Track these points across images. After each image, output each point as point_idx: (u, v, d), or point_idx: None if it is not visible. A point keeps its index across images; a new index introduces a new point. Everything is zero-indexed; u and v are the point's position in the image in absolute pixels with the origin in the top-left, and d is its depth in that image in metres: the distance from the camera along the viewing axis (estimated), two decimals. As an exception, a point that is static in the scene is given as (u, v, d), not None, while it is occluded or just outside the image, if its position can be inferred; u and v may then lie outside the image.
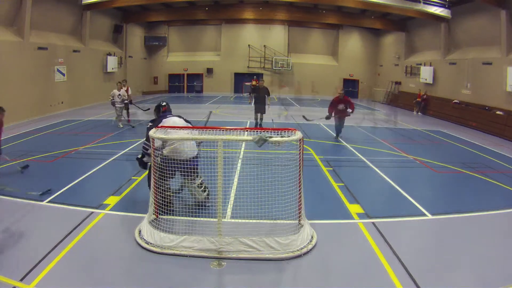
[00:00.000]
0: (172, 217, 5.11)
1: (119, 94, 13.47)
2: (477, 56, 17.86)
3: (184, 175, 5.36)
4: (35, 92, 15.57)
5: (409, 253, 4.70)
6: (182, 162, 5.22)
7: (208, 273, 4.17)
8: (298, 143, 4.91)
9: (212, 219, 4.89)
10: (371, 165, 8.95)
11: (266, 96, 12.79)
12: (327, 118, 11.51)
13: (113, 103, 13.56)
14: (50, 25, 17.01)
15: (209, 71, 30.05)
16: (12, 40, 14.30)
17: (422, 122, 17.63)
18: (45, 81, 16.35)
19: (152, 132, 4.84)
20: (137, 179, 7.40)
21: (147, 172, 7.31)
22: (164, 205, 5.05)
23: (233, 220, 5.39)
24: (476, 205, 6.52)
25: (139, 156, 5.71)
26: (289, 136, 4.78)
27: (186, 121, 5.90)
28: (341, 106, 11.63)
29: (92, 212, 5.66)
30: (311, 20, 27.74)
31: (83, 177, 7.41)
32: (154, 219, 5.10)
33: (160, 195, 5.02)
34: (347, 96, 12.24)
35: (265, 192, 5.33)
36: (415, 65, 23.78)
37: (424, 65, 22.40)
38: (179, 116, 5.97)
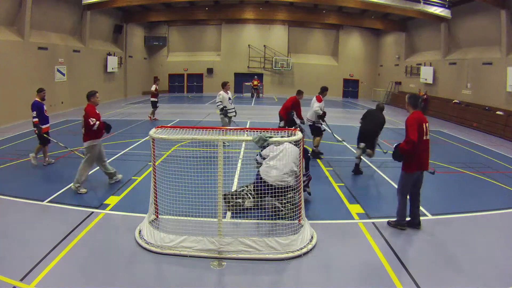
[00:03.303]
0: (172, 217, 5.11)
1: (230, 98, 10.13)
2: (477, 56, 17.85)
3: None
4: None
5: (410, 253, 4.71)
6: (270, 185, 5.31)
7: (208, 273, 4.17)
8: (299, 143, 4.92)
9: (212, 219, 4.89)
10: (371, 165, 8.95)
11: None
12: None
13: (225, 113, 10.08)
14: (51, 25, 17.02)
15: (209, 71, 30.06)
16: (12, 40, 14.31)
17: (422, 122, 17.59)
18: (45, 81, 16.29)
19: (152, 132, 4.83)
20: (137, 179, 7.40)
21: (150, 169, 7.34)
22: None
23: (233, 220, 5.40)
24: (476, 205, 6.51)
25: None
26: (289, 136, 4.78)
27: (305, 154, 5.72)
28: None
29: (92, 212, 5.67)
30: (311, 20, 27.73)
31: (83, 177, 7.41)
32: (154, 219, 5.10)
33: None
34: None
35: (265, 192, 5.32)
36: (415, 65, 23.79)
37: (424, 65, 22.41)
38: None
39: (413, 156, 5.16)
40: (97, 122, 6.55)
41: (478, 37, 18.05)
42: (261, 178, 5.41)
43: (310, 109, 9.56)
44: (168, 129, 5.03)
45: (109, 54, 22.44)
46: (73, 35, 19.21)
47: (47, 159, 8.43)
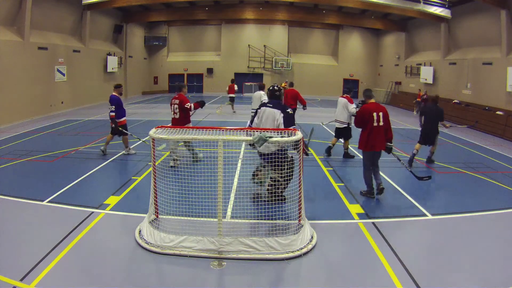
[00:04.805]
0: (172, 217, 5.11)
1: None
2: (477, 56, 17.86)
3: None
4: (36, 92, 15.59)
5: (409, 253, 4.70)
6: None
7: (208, 273, 4.17)
8: (298, 143, 4.91)
9: (212, 219, 4.89)
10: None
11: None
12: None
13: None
14: (51, 25, 17.03)
15: (210, 71, 30.07)
16: (12, 40, 14.32)
17: (422, 122, 17.59)
18: (45, 81, 16.36)
19: (152, 132, 4.83)
20: (137, 179, 7.40)
21: (150, 169, 7.34)
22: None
23: (233, 220, 5.39)
24: (476, 205, 6.51)
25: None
26: (289, 136, 4.78)
27: (284, 111, 5.69)
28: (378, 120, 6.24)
29: (92, 212, 5.66)
30: (311, 20, 27.75)
31: (83, 177, 7.41)
32: (154, 219, 5.10)
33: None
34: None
35: (265, 192, 5.32)
36: (415, 65, 23.80)
37: (424, 65, 22.42)
38: (277, 107, 5.76)
39: (363, 137, 6.32)
40: (192, 105, 7.87)
41: (478, 37, 18.05)
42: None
43: (340, 111, 9.31)
44: (168, 129, 5.03)
45: (109, 54, 22.45)
46: (73, 35, 19.21)
47: (128, 148, 9.27)
